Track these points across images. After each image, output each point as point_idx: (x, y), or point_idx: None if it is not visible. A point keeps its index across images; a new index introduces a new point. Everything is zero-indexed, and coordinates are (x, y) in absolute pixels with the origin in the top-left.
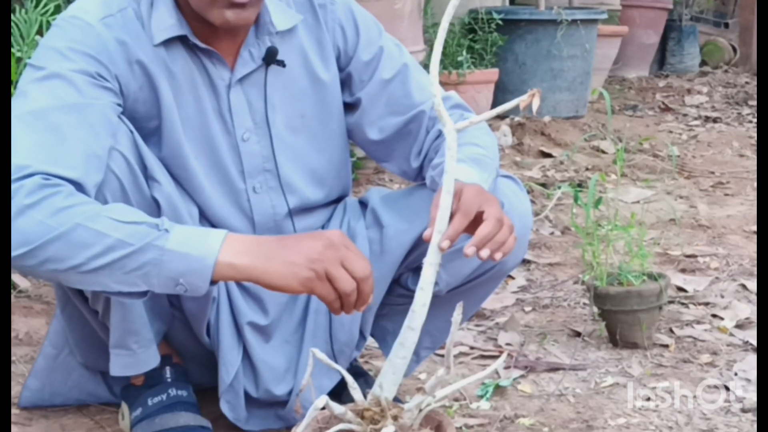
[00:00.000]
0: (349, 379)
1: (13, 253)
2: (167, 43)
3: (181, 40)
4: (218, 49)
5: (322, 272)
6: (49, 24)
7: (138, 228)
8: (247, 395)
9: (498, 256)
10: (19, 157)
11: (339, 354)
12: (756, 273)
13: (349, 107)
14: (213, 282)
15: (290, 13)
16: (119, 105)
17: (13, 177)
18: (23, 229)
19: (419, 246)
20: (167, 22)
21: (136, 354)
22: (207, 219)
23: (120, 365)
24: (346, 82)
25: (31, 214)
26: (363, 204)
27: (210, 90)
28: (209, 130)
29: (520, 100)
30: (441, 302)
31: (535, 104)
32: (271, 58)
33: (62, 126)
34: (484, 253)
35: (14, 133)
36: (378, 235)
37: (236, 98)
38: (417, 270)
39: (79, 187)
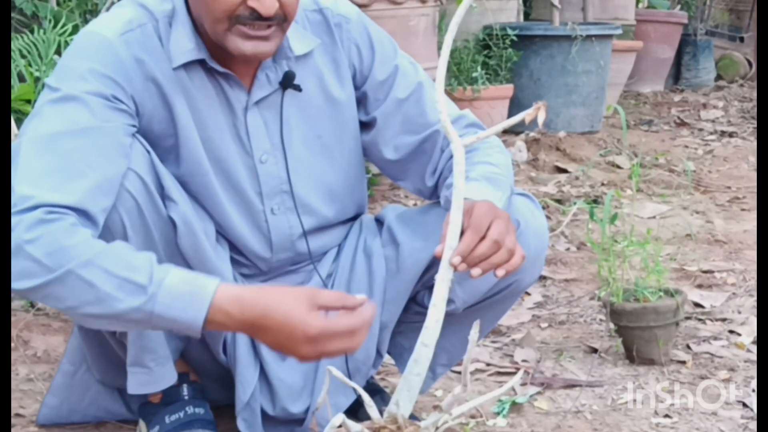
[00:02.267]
0: (366, 397)
1: (15, 285)
2: (187, 66)
3: (200, 62)
4: (236, 72)
5: (301, 359)
6: (67, 44)
7: (126, 286)
8: (263, 413)
9: (500, 273)
10: (25, 186)
11: (355, 372)
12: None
13: (365, 126)
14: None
15: (307, 36)
16: (134, 126)
17: (17, 208)
18: (23, 265)
19: (435, 264)
20: (186, 46)
21: (152, 372)
22: (224, 237)
23: (137, 383)
24: (361, 101)
25: (30, 250)
26: (379, 222)
27: (228, 112)
28: (226, 152)
29: (526, 114)
30: (457, 320)
31: (541, 117)
32: (288, 82)
33: (73, 151)
34: (475, 272)
35: (24, 156)
36: (394, 253)
37: (253, 120)
38: (433, 288)
39: (83, 214)
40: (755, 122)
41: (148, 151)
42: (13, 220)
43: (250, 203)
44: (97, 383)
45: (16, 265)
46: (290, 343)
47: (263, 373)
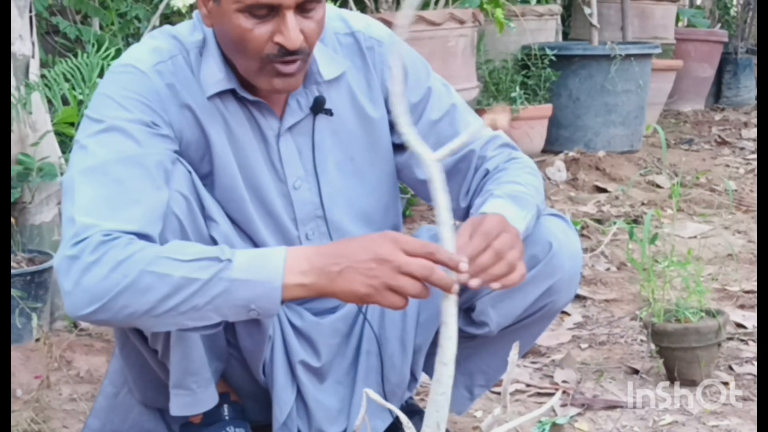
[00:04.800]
0: (404, 419)
1: (85, 311)
2: (219, 95)
3: (231, 91)
4: (266, 99)
5: (381, 287)
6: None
7: (200, 264)
8: None
9: (495, 286)
10: (84, 216)
11: (391, 395)
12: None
13: (398, 148)
14: (283, 302)
15: (337, 60)
16: (175, 150)
17: (79, 237)
18: (90, 286)
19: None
20: (216, 77)
21: (195, 394)
22: None
23: (179, 405)
24: (394, 124)
25: (96, 270)
26: None
27: (260, 139)
28: (261, 179)
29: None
30: (493, 342)
31: (502, 121)
32: (318, 107)
33: (125, 180)
34: (473, 282)
35: (78, 188)
36: None
37: (286, 147)
38: (468, 310)
39: (145, 238)
40: None
41: (190, 172)
42: (77, 248)
43: (286, 229)
44: (138, 404)
45: (85, 288)
46: (365, 255)
47: (300, 395)
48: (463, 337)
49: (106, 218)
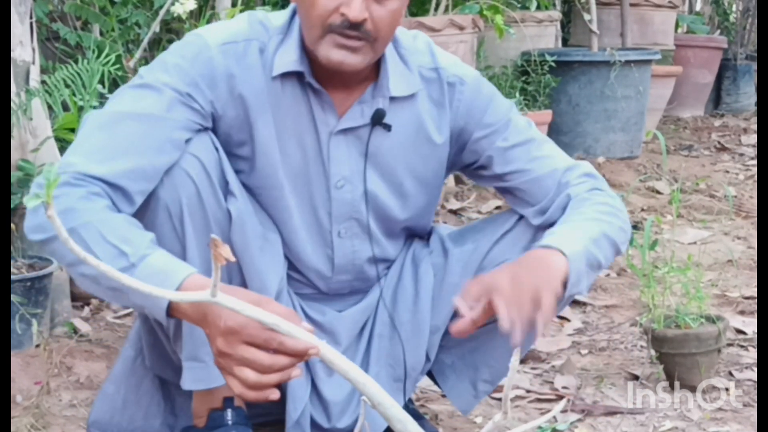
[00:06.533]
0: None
1: (30, 236)
2: (284, 78)
3: (298, 78)
4: (333, 97)
5: (225, 372)
6: (110, 74)
7: (113, 251)
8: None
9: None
10: (72, 155)
11: (406, 377)
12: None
13: (477, 168)
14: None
15: (410, 80)
16: (200, 124)
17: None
18: (38, 216)
19: (484, 263)
20: (290, 57)
21: (208, 367)
22: (287, 248)
23: (192, 379)
24: (470, 156)
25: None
26: (429, 235)
27: (312, 131)
28: (303, 170)
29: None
30: (497, 330)
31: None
32: (377, 119)
33: (128, 133)
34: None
35: (85, 128)
36: (442, 260)
37: (336, 147)
38: None
39: (118, 189)
40: None
41: (217, 149)
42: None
43: (320, 223)
44: (149, 376)
45: (36, 218)
46: (213, 328)
47: (315, 389)
48: None
49: (91, 161)
